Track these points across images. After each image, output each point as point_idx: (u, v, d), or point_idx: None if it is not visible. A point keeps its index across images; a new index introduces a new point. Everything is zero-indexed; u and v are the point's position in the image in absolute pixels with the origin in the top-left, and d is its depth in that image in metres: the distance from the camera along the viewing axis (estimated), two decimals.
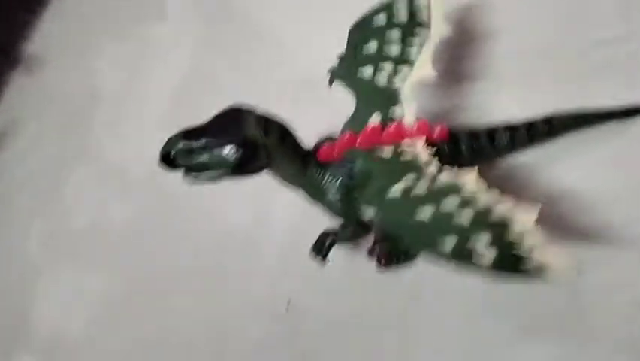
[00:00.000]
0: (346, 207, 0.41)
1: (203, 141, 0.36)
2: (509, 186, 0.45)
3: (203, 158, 0.36)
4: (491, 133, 0.43)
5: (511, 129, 0.43)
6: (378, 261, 0.42)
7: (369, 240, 0.44)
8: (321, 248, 0.44)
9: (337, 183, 0.41)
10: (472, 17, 0.54)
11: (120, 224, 0.60)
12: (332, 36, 0.47)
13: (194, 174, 0.38)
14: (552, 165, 0.44)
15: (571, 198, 0.42)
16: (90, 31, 0.80)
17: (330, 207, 0.42)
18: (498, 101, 0.49)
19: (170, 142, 0.36)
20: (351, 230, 0.43)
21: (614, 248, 0.39)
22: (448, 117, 0.50)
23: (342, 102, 0.44)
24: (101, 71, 0.74)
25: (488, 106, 0.49)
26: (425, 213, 0.34)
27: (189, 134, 0.37)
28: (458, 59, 0.53)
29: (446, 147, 0.42)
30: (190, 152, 0.36)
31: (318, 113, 0.49)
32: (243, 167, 0.37)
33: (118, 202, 0.62)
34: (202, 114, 0.56)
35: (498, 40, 0.52)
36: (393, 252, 0.42)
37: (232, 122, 0.37)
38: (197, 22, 0.71)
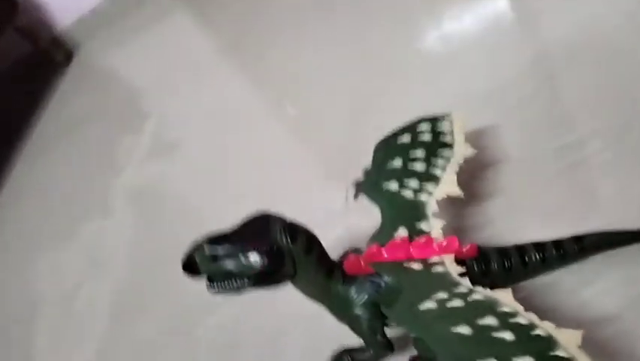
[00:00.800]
0: (372, 324, 0.39)
1: (228, 246, 0.35)
2: (542, 310, 0.43)
3: (228, 265, 0.35)
4: (521, 251, 0.42)
5: (541, 248, 0.42)
6: None
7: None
8: None
9: (365, 298, 0.39)
10: (484, 141, 0.56)
11: None
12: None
13: (216, 283, 0.36)
14: (584, 288, 0.42)
15: (608, 323, 0.40)
16: (32, 234, 0.78)
17: (354, 322, 0.40)
18: (516, 219, 0.49)
19: (195, 247, 0.36)
20: (372, 353, 0.40)
21: None
22: (468, 234, 0.49)
23: None
24: (43, 274, 0.71)
25: (507, 224, 0.49)
26: (462, 330, 0.32)
27: (215, 240, 0.36)
28: (474, 179, 0.53)
29: (475, 265, 0.41)
30: (214, 258, 0.35)
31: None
32: (268, 275, 0.36)
33: None
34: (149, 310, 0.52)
35: (509, 163, 0.54)
36: None
37: (259, 230, 0.36)
38: (139, 214, 0.73)
